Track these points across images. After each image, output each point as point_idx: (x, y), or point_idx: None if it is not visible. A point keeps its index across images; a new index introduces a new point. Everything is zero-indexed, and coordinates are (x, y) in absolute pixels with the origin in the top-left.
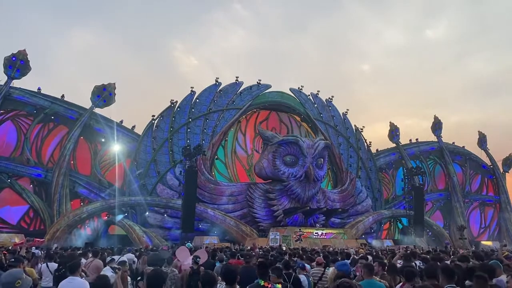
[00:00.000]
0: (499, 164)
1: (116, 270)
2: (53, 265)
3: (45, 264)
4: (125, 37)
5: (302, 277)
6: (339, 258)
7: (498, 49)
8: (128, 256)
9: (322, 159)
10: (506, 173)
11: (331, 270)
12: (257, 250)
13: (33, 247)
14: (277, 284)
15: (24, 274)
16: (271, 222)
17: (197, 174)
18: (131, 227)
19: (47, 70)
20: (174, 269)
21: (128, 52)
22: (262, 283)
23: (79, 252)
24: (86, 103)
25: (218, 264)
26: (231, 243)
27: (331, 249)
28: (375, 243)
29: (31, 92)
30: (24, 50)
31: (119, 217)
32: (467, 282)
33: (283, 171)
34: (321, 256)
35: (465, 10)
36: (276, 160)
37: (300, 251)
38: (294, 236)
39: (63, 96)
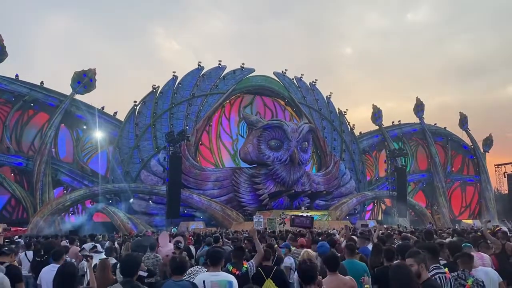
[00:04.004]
0: (480, 144)
1: (88, 258)
2: (31, 254)
3: (23, 253)
4: (105, 22)
5: (288, 259)
6: (320, 239)
7: (478, 31)
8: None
9: (306, 143)
10: (486, 153)
11: (303, 252)
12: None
13: (16, 236)
14: (244, 265)
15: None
16: (256, 206)
17: (181, 160)
18: (116, 213)
19: (24, 56)
20: (157, 255)
21: (109, 37)
22: (231, 268)
23: (66, 239)
24: (66, 90)
25: (206, 248)
26: (217, 227)
27: (318, 231)
28: (358, 223)
29: (8, 79)
30: (0, 35)
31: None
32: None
33: (268, 155)
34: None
35: None
36: (261, 145)
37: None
38: (278, 219)
39: (42, 82)
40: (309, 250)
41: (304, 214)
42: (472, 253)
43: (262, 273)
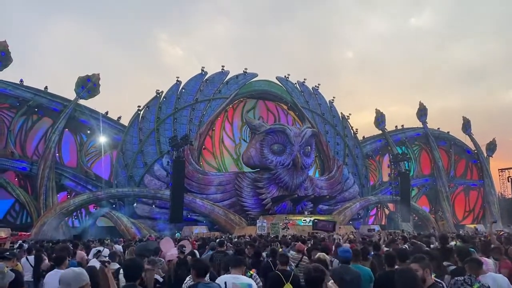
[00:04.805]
0: (483, 149)
1: (106, 263)
2: (33, 259)
3: (25, 257)
4: (108, 27)
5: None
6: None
7: (481, 35)
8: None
9: (309, 147)
10: (490, 158)
11: (317, 256)
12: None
13: (20, 241)
14: (250, 271)
15: (6, 269)
16: (259, 210)
17: (184, 164)
18: (119, 218)
19: (29, 61)
20: (161, 258)
21: (112, 42)
22: None
23: (71, 244)
24: (70, 95)
25: (210, 252)
26: (221, 232)
27: (321, 236)
28: (362, 228)
29: (13, 84)
30: (5, 41)
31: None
32: (445, 263)
33: (270, 159)
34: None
35: None
36: (264, 149)
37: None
38: (281, 224)
39: (46, 87)
40: (323, 253)
41: (327, 219)
42: None
43: (281, 277)
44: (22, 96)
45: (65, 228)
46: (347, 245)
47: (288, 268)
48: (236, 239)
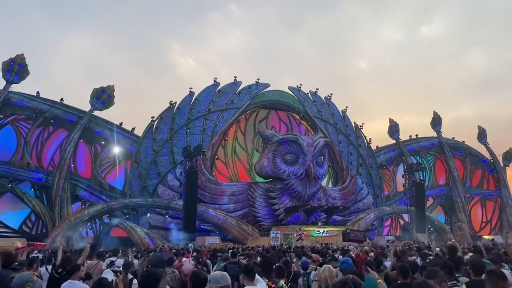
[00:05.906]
0: (500, 158)
1: (118, 273)
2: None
3: (44, 267)
4: (122, 39)
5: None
6: (337, 256)
7: (494, 43)
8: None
9: (322, 157)
10: (507, 167)
11: (324, 268)
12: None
13: (35, 251)
14: (280, 281)
15: (35, 277)
16: (272, 221)
17: (197, 174)
18: (133, 228)
19: (45, 74)
20: (175, 270)
21: (126, 54)
22: (266, 281)
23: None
24: (85, 106)
25: (222, 264)
26: (233, 243)
27: (334, 246)
28: (377, 239)
29: (30, 96)
30: (22, 54)
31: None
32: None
33: (283, 169)
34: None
35: (460, 6)
36: (276, 159)
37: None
38: (295, 235)
39: (62, 99)
40: (329, 265)
41: (359, 229)
42: None
43: None
44: (38, 108)
45: (79, 238)
46: None
47: (280, 282)
48: (242, 251)
